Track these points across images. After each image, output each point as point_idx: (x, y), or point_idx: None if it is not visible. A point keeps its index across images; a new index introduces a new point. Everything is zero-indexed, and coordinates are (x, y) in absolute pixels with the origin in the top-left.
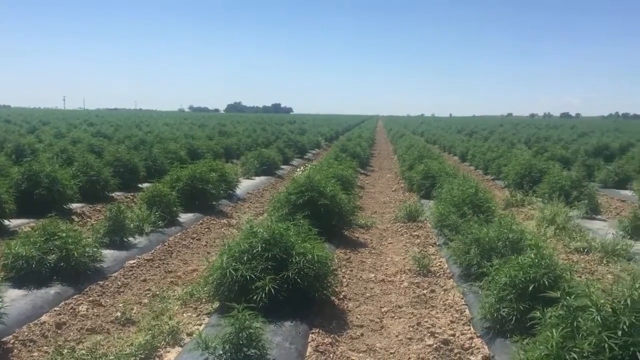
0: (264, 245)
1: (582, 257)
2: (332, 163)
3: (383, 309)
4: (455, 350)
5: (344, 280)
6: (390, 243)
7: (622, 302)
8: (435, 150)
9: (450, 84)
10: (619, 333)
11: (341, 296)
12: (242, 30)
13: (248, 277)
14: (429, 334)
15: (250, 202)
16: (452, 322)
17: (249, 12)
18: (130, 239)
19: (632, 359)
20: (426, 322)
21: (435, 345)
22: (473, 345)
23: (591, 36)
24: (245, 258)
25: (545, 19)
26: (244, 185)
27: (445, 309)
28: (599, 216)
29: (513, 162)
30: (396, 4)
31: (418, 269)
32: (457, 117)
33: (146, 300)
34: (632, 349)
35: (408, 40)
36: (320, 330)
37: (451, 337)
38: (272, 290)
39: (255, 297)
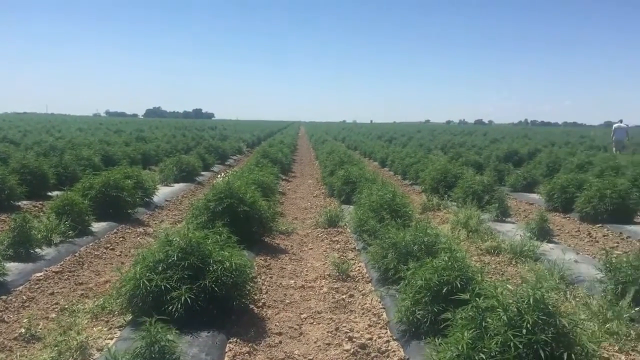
0: (180, 254)
1: (493, 258)
2: (253, 169)
3: (302, 315)
4: (372, 354)
5: (264, 287)
6: (311, 249)
7: (526, 302)
8: (356, 156)
9: (372, 91)
10: (524, 331)
11: (260, 304)
12: (162, 33)
13: (163, 287)
14: (347, 339)
15: (169, 210)
16: (370, 326)
17: (170, 14)
18: (38, 250)
19: (536, 356)
20: (344, 327)
21: (352, 350)
22: (389, 348)
23: (502, 47)
24: (160, 268)
25: (460, 29)
26: (163, 193)
27: (363, 313)
28: (508, 219)
29: (429, 167)
30: (315, 9)
31: (337, 274)
32: (378, 123)
33: (54, 315)
34: (535, 346)
35: (330, 47)
36: (238, 340)
37: (368, 341)
38: (189, 300)
39: (170, 308)
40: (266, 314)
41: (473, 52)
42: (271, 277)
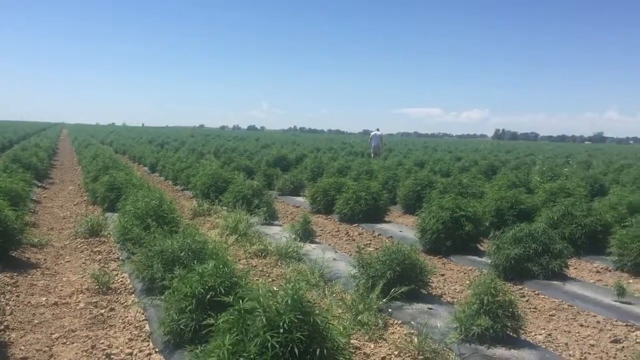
0: None
1: (260, 260)
2: (1, 175)
3: (54, 336)
4: None
5: (8, 308)
6: (68, 261)
7: (284, 302)
8: (124, 161)
9: (143, 93)
10: (281, 331)
11: (2, 327)
12: None
13: None
14: (104, 356)
15: None
16: (130, 339)
17: None
18: None
19: (291, 354)
20: (102, 343)
21: None
22: None
23: (267, 55)
24: None
25: (232, 35)
26: None
27: (124, 327)
28: (276, 222)
29: (201, 172)
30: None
31: (97, 287)
32: (150, 127)
33: None
34: (290, 345)
35: (95, 41)
36: None
37: (128, 356)
38: None
39: None
40: (9, 338)
41: (248, 58)
42: (18, 296)
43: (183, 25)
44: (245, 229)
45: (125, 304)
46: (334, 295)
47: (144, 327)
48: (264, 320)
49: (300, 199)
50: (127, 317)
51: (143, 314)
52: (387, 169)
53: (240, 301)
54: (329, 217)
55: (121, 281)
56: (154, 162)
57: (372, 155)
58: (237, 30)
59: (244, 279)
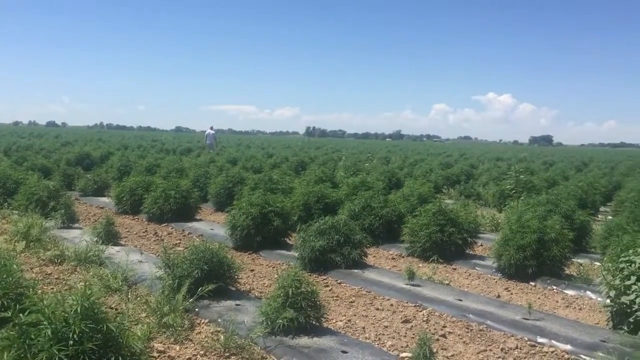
0: None
1: (56, 267)
2: None
3: None
4: None
5: None
6: None
7: (73, 312)
8: None
9: None
10: (71, 343)
11: None
12: None
13: None
14: None
15: None
16: None
17: None
18: None
19: None
20: None
21: None
22: None
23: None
24: None
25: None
26: None
27: None
28: (76, 224)
29: None
30: None
31: None
32: None
33: None
34: (82, 356)
35: None
36: None
37: None
38: None
39: None
40: None
41: (43, 44)
42: None
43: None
44: (39, 234)
45: None
46: (138, 299)
47: None
48: (49, 333)
49: (105, 199)
50: None
51: None
52: (199, 166)
53: (22, 314)
54: (137, 217)
55: None
56: None
57: (208, 151)
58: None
59: (32, 289)
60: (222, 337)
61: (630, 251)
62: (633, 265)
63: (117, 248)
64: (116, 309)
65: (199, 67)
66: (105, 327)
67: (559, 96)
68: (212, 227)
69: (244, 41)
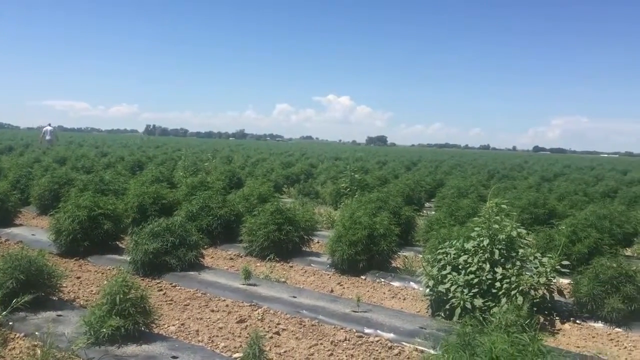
0: None
1: None
2: None
3: None
4: None
5: None
6: None
7: None
8: None
9: None
10: None
11: None
12: None
13: None
14: None
15: None
16: None
17: None
18: None
19: None
20: None
21: None
22: None
23: None
24: None
25: None
26: None
27: None
28: None
29: None
30: None
31: None
32: None
33: None
34: None
35: None
36: None
37: None
38: None
39: None
40: None
41: None
42: None
43: None
44: None
45: None
46: None
47: None
48: None
49: None
50: None
51: None
52: (21, 166)
53: None
54: None
55: None
56: None
57: (47, 148)
58: None
59: None
60: (39, 351)
61: (447, 243)
62: (448, 256)
63: None
64: None
65: (21, 59)
66: None
67: (393, 99)
68: (33, 232)
69: (72, 32)
